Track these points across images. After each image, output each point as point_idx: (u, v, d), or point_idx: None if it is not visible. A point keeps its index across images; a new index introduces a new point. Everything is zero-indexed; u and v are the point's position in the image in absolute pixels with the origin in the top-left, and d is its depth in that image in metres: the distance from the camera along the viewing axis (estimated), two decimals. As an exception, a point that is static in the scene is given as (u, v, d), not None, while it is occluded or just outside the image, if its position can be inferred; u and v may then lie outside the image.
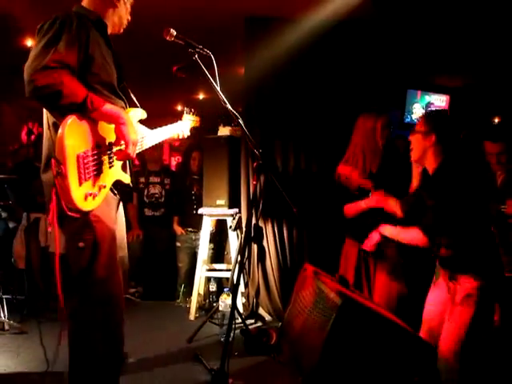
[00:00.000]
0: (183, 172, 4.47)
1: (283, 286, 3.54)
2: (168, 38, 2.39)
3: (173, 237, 4.35)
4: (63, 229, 1.82)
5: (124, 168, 2.05)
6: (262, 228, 3.53)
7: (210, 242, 3.93)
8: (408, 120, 5.08)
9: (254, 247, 3.63)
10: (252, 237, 2.92)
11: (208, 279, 3.98)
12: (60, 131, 1.67)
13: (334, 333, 2.26)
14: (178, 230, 4.28)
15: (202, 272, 3.77)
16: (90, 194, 1.77)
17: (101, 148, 1.85)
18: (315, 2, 3.40)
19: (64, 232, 1.83)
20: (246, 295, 3.77)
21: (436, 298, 2.31)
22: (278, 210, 3.46)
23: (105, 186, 1.88)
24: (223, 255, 4.13)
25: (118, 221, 2.07)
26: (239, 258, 2.48)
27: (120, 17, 2.08)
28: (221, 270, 3.83)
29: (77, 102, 1.69)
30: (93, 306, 1.85)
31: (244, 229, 2.41)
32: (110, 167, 1.92)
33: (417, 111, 5.08)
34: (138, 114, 2.15)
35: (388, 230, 2.40)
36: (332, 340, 2.27)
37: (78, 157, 1.70)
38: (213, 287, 4.00)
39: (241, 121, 2.45)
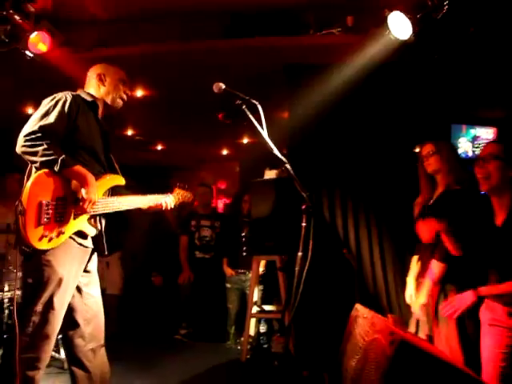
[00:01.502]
0: (233, 214, 4.60)
1: (333, 326, 3.50)
2: (217, 91, 2.59)
3: (223, 278, 4.42)
4: (24, 264, 2.27)
5: (93, 223, 2.39)
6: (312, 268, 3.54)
7: (260, 283, 3.98)
8: (455, 155, 5.03)
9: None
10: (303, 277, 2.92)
11: (258, 320, 3.99)
12: (29, 182, 2.12)
13: (388, 378, 2.23)
14: (228, 271, 4.36)
15: (252, 313, 3.79)
16: (46, 236, 2.15)
17: (65, 201, 2.23)
18: (353, 49, 3.55)
19: (23, 267, 2.30)
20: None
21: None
22: (326, 251, 3.48)
23: (63, 233, 2.23)
24: (272, 296, 4.14)
25: (90, 272, 2.47)
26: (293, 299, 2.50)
27: (108, 97, 2.54)
28: (271, 311, 3.84)
29: (49, 161, 2.13)
30: (24, 331, 2.18)
31: (296, 270, 2.45)
32: (75, 218, 2.28)
33: (463, 145, 5.02)
34: (114, 180, 2.49)
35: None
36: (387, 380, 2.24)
37: (39, 203, 2.12)
38: (263, 328, 4.01)
39: (288, 165, 2.56)
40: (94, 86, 2.56)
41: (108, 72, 2.59)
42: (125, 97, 2.63)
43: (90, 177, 2.26)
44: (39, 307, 2.21)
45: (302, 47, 3.58)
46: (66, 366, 3.40)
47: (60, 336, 3.38)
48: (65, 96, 2.32)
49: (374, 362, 2.49)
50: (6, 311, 3.29)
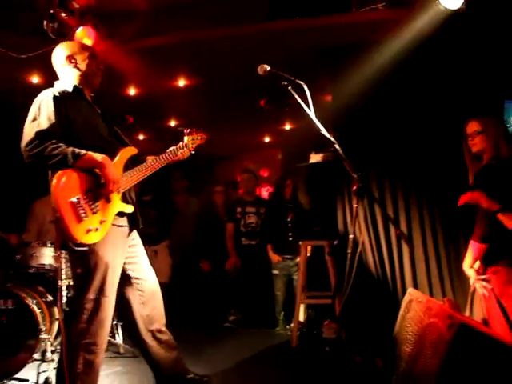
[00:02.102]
0: (277, 199, 4.58)
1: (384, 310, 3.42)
2: (261, 74, 2.60)
3: (269, 265, 4.42)
4: (71, 257, 2.40)
5: (125, 200, 2.47)
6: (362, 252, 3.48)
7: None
8: (509, 132, 4.76)
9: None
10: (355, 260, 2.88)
11: (307, 306, 3.96)
12: (52, 186, 2.19)
13: (447, 363, 2.17)
14: (275, 257, 4.34)
15: (301, 299, 3.77)
16: (91, 229, 2.22)
17: (92, 191, 2.29)
18: (399, 24, 3.40)
19: (70, 260, 2.44)
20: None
21: None
22: (378, 233, 3.40)
23: (105, 220, 2.31)
24: (318, 281, 4.09)
25: (133, 253, 2.57)
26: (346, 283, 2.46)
27: (86, 76, 2.52)
28: (321, 297, 3.79)
29: (60, 159, 2.18)
30: (79, 319, 2.30)
31: (348, 253, 2.40)
32: (108, 202, 2.35)
33: (517, 123, 4.74)
34: (128, 152, 2.53)
35: None
36: (447, 369, 2.17)
37: (71, 203, 2.17)
38: (312, 313, 3.98)
39: (337, 145, 2.51)
40: (66, 72, 2.52)
41: (75, 51, 2.53)
42: (99, 72, 2.59)
43: (104, 158, 2.31)
44: (91, 295, 2.31)
45: (344, 26, 3.47)
46: (121, 350, 3.53)
47: (121, 323, 3.54)
48: (46, 96, 2.34)
49: (431, 346, 2.43)
50: (64, 299, 3.42)
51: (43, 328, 3.01)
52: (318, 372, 3.09)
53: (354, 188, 2.47)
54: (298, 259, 4.10)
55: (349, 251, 2.47)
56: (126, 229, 2.52)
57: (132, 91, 4.42)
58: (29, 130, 2.24)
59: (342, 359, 3.04)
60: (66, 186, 2.19)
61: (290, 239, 4.15)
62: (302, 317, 3.90)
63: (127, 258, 2.54)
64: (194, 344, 3.77)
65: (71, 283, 3.38)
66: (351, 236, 2.50)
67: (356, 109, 3.68)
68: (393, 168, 3.54)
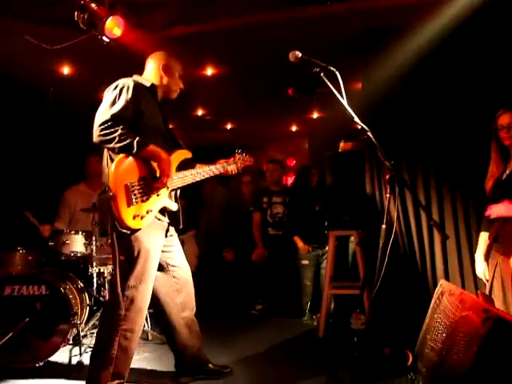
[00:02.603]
0: (301, 189, 4.54)
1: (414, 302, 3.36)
2: (293, 60, 2.57)
3: (295, 254, 4.40)
4: (115, 243, 2.43)
5: (172, 197, 2.58)
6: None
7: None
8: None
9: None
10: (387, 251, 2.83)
11: (334, 296, 3.93)
12: (112, 166, 2.30)
13: (482, 357, 2.12)
14: (304, 247, 4.31)
15: (329, 289, 3.74)
16: (138, 215, 2.33)
17: (146, 180, 2.40)
18: (435, 7, 3.29)
19: (114, 246, 2.45)
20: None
21: None
22: (409, 223, 3.33)
23: (151, 211, 2.41)
24: (343, 271, 4.04)
25: (170, 242, 2.67)
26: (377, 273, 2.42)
27: (169, 87, 2.68)
28: (349, 287, 3.76)
29: (126, 145, 2.29)
30: (119, 305, 2.36)
31: (380, 243, 2.36)
32: (158, 195, 2.45)
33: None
34: (183, 154, 2.66)
35: None
36: (480, 363, 2.12)
37: (125, 186, 2.29)
38: (337, 304, 3.95)
39: (370, 133, 2.46)
40: (155, 75, 2.67)
41: (171, 64, 2.70)
42: (179, 90, 2.76)
43: (164, 153, 2.44)
44: (132, 282, 2.39)
45: (376, 10, 3.38)
46: (150, 337, 3.59)
47: (150, 310, 3.61)
48: (127, 83, 2.45)
49: (465, 340, 2.38)
50: (95, 285, 3.50)
51: (76, 313, 3.09)
52: (345, 363, 3.05)
53: (387, 177, 2.42)
54: (326, 248, 4.08)
55: (381, 241, 2.43)
56: (166, 224, 2.60)
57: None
58: (105, 111, 2.34)
59: (370, 351, 3.01)
60: (125, 169, 2.32)
61: (318, 229, 4.10)
62: (329, 307, 3.86)
63: (164, 246, 2.63)
64: (219, 333, 3.80)
65: (101, 270, 3.49)
66: (383, 226, 2.45)
67: (388, 96, 3.59)
68: (425, 157, 3.45)
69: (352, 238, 3.88)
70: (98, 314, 3.62)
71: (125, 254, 2.41)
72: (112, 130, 2.28)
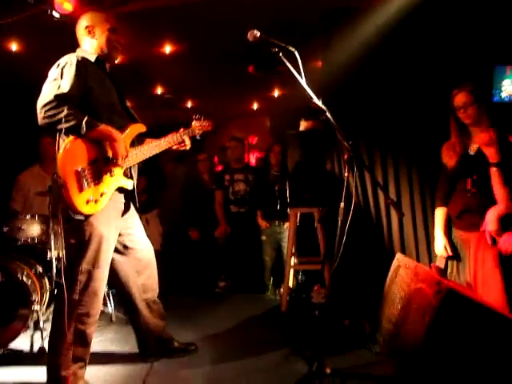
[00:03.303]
0: (265, 167, 4.57)
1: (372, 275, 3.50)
2: (251, 40, 2.54)
3: (258, 231, 4.46)
4: (66, 227, 2.35)
5: (127, 175, 2.49)
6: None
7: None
8: (497, 99, 4.72)
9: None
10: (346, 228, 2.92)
11: (296, 271, 4.02)
12: (60, 153, 2.19)
13: (434, 328, 2.25)
14: (263, 223, 4.37)
15: (290, 266, 3.82)
16: (91, 200, 2.25)
17: (98, 162, 2.31)
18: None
19: (65, 229, 2.37)
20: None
21: None
22: (367, 199, 3.42)
23: (105, 193, 2.34)
24: (305, 247, 4.10)
25: (129, 223, 2.61)
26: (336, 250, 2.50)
27: (104, 50, 2.50)
28: (310, 262, 3.85)
29: (74, 125, 2.17)
30: (72, 290, 2.32)
31: (339, 221, 2.43)
32: (111, 176, 2.38)
33: (507, 88, 4.71)
34: (137, 128, 2.56)
35: None
36: (433, 334, 2.25)
37: (76, 172, 2.19)
38: (302, 278, 4.06)
39: (328, 114, 2.50)
40: (86, 42, 2.52)
41: (95, 23, 2.51)
42: (119, 46, 2.57)
43: (116, 133, 2.34)
44: (84, 266, 2.33)
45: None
46: (114, 319, 3.58)
47: (112, 291, 3.57)
48: (69, 60, 2.31)
49: (418, 311, 2.50)
50: (54, 270, 3.42)
51: (35, 299, 3.02)
52: (307, 335, 3.16)
53: (345, 157, 2.48)
54: (286, 225, 4.17)
55: (339, 219, 2.50)
56: (122, 205, 2.54)
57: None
58: (48, 91, 2.20)
59: (330, 323, 3.13)
60: (73, 154, 2.21)
61: (278, 208, 4.16)
62: (291, 282, 3.96)
63: (123, 228, 2.58)
64: (184, 310, 3.85)
65: (61, 255, 3.41)
66: (342, 204, 2.52)
67: (347, 76, 3.62)
68: (383, 136, 3.54)
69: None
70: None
71: (75, 238, 2.34)
72: (56, 110, 2.16)
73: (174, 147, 2.79)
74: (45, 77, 2.32)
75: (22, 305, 2.97)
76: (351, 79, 3.64)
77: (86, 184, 2.22)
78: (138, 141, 2.62)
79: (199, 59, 4.46)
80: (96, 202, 2.28)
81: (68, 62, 2.30)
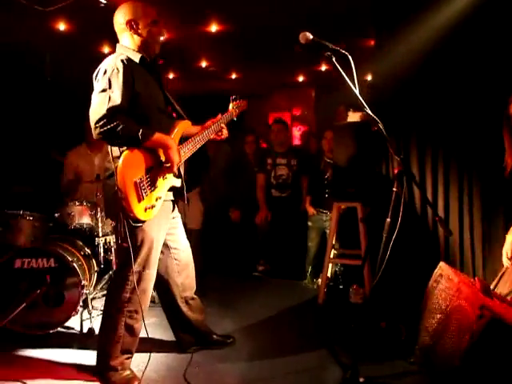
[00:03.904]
0: (317, 153, 4.48)
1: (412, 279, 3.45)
2: (303, 42, 2.46)
3: (300, 217, 4.44)
4: (118, 231, 2.41)
5: (175, 174, 2.49)
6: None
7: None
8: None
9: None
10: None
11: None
12: (119, 166, 2.18)
13: (471, 351, 2.22)
14: (310, 210, 4.33)
15: (331, 258, 3.82)
16: (149, 207, 2.30)
17: (153, 169, 2.34)
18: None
19: (117, 233, 2.44)
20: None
21: None
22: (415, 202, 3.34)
23: (160, 197, 2.39)
24: (349, 239, 4.07)
25: (173, 224, 2.68)
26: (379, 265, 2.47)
27: (146, 45, 2.43)
28: (350, 256, 3.83)
29: (129, 139, 2.19)
30: (123, 289, 2.43)
31: (384, 237, 2.38)
32: (164, 179, 2.41)
33: None
34: (184, 126, 2.57)
35: None
36: (470, 356, 2.23)
37: (135, 183, 2.22)
38: (340, 269, 4.06)
39: (381, 125, 2.39)
40: (127, 37, 2.42)
41: (137, 16, 2.38)
42: (160, 40, 2.50)
43: (169, 140, 2.35)
44: (136, 268, 2.42)
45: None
46: (156, 300, 3.73)
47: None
48: (116, 66, 2.25)
49: (458, 330, 2.48)
50: (102, 254, 3.58)
51: (84, 284, 3.20)
52: (341, 333, 3.20)
53: (396, 171, 2.40)
54: (330, 214, 4.11)
55: (384, 234, 2.45)
56: (171, 204, 2.60)
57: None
58: (99, 104, 2.18)
59: (367, 323, 3.15)
60: (131, 165, 2.23)
61: (326, 196, 4.11)
62: (329, 272, 3.98)
63: (169, 228, 2.63)
64: (222, 293, 3.98)
65: (107, 240, 3.55)
66: (388, 220, 2.46)
67: (398, 82, 3.42)
68: (434, 145, 3.35)
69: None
70: (106, 276, 3.77)
71: (127, 242, 2.38)
72: (111, 125, 2.14)
73: (212, 136, 2.76)
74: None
75: (72, 288, 3.15)
76: (402, 85, 3.43)
77: (144, 193, 2.26)
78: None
79: (246, 37, 4.30)
80: (152, 207, 2.34)
81: (114, 68, 2.25)
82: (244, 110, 3.06)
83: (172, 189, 2.53)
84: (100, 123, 2.15)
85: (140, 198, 2.24)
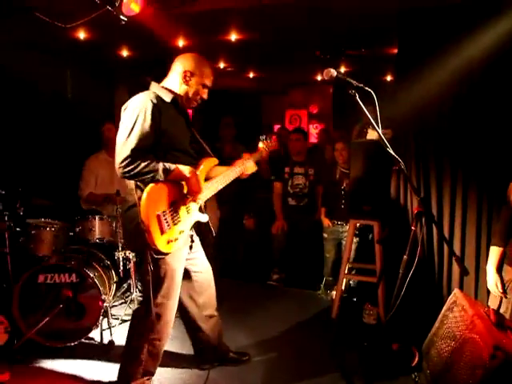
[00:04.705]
0: (331, 164, 4.45)
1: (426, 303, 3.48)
2: (327, 79, 2.46)
3: (316, 226, 4.45)
4: (141, 264, 2.45)
5: (201, 209, 2.57)
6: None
7: (356, 235, 4.00)
8: None
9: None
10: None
11: (350, 271, 4.02)
12: (143, 199, 2.22)
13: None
14: (326, 221, 4.34)
15: (347, 274, 3.85)
16: (171, 240, 2.34)
17: (177, 202, 2.38)
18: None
19: (139, 265, 2.50)
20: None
21: None
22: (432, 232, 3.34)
23: (183, 231, 2.43)
24: (365, 253, 4.08)
25: (193, 249, 2.68)
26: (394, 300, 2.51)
27: (187, 98, 2.54)
28: (367, 271, 3.85)
29: (152, 177, 2.25)
30: (147, 319, 2.48)
31: (400, 273, 2.40)
32: (188, 212, 2.46)
33: None
34: (210, 163, 2.63)
35: None
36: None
37: (158, 216, 2.26)
38: (354, 282, 4.10)
39: (402, 165, 2.40)
40: (176, 80, 2.53)
41: (196, 72, 2.51)
42: (200, 101, 2.59)
43: (189, 170, 2.41)
44: (159, 300, 2.50)
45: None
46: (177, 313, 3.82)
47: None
48: (145, 106, 2.31)
49: (470, 363, 2.53)
50: (121, 266, 3.66)
51: (104, 298, 3.30)
52: (354, 353, 3.25)
53: (415, 211, 2.40)
54: (347, 226, 4.11)
55: (401, 271, 2.47)
56: (191, 236, 2.64)
57: (181, 42, 4.11)
58: (124, 145, 2.25)
59: (378, 344, 3.20)
60: (154, 199, 2.28)
61: (342, 206, 4.12)
62: (343, 284, 4.01)
63: (188, 254, 2.67)
64: (236, 301, 4.07)
65: (127, 254, 3.63)
66: (405, 257, 2.48)
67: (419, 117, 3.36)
68: (452, 181, 3.31)
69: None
70: (125, 285, 3.87)
71: (150, 275, 2.44)
72: (134, 165, 2.22)
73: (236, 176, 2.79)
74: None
75: (93, 302, 3.25)
76: (422, 121, 3.39)
77: (166, 226, 2.30)
78: (212, 172, 2.67)
79: (266, 44, 4.22)
80: (176, 240, 2.39)
81: (142, 108, 2.30)
82: (276, 149, 3.10)
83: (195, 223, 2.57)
84: (123, 163, 2.23)
85: (163, 231, 2.29)
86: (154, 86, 2.52)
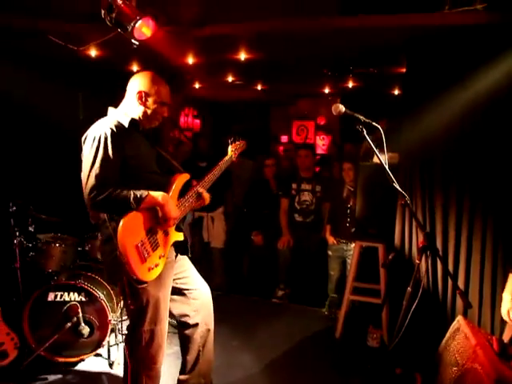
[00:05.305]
0: (336, 180, 4.47)
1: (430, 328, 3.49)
2: (336, 114, 2.51)
3: (322, 243, 4.48)
4: (123, 293, 2.43)
5: (178, 228, 2.50)
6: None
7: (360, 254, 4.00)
8: None
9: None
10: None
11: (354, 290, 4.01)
12: (119, 232, 2.15)
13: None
14: (330, 239, 4.36)
15: (349, 295, 3.87)
16: (152, 267, 2.29)
17: (153, 229, 2.33)
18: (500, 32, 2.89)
19: (122, 295, 2.47)
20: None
21: None
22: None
23: (163, 255, 2.39)
24: (369, 273, 4.07)
25: (180, 268, 2.65)
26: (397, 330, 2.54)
27: (145, 118, 2.48)
28: (371, 292, 3.86)
29: (124, 207, 2.18)
30: (138, 348, 2.46)
31: (404, 305, 2.43)
32: (166, 236, 2.41)
33: None
34: (182, 180, 2.56)
35: None
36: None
37: (136, 247, 2.20)
38: (358, 302, 4.13)
39: (408, 200, 2.42)
40: (132, 102, 2.47)
41: (151, 92, 2.44)
42: (161, 119, 2.54)
43: (162, 197, 2.33)
44: (146, 326, 2.46)
45: (432, 28, 2.99)
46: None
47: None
48: (103, 133, 2.27)
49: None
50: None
51: (112, 315, 3.36)
52: (356, 375, 3.29)
53: (420, 245, 2.42)
54: (352, 245, 4.16)
55: (404, 303, 2.50)
56: (173, 258, 2.58)
57: (191, 59, 4.13)
58: (89, 177, 2.21)
59: (381, 367, 3.23)
60: (130, 229, 2.21)
61: (348, 225, 4.13)
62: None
63: (176, 274, 2.64)
64: (242, 318, 4.10)
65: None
66: (409, 289, 2.50)
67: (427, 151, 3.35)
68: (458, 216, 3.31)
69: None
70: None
71: (133, 304, 2.43)
72: (103, 195, 2.18)
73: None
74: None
75: (101, 320, 3.32)
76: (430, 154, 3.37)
77: (146, 255, 2.26)
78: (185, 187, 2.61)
79: (272, 58, 4.23)
80: (156, 266, 2.34)
81: (102, 137, 2.26)
82: (243, 150, 3.07)
83: (175, 244, 2.53)
84: (92, 194, 2.19)
85: (143, 260, 2.24)
86: (111, 111, 2.49)
